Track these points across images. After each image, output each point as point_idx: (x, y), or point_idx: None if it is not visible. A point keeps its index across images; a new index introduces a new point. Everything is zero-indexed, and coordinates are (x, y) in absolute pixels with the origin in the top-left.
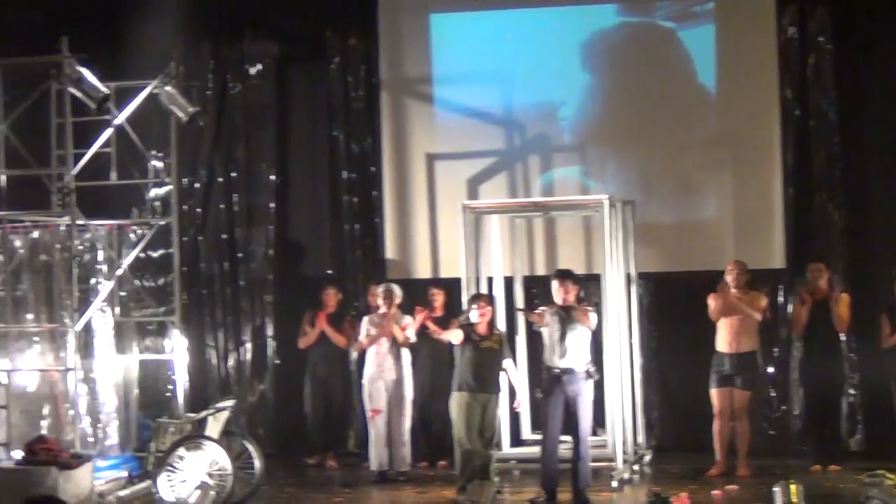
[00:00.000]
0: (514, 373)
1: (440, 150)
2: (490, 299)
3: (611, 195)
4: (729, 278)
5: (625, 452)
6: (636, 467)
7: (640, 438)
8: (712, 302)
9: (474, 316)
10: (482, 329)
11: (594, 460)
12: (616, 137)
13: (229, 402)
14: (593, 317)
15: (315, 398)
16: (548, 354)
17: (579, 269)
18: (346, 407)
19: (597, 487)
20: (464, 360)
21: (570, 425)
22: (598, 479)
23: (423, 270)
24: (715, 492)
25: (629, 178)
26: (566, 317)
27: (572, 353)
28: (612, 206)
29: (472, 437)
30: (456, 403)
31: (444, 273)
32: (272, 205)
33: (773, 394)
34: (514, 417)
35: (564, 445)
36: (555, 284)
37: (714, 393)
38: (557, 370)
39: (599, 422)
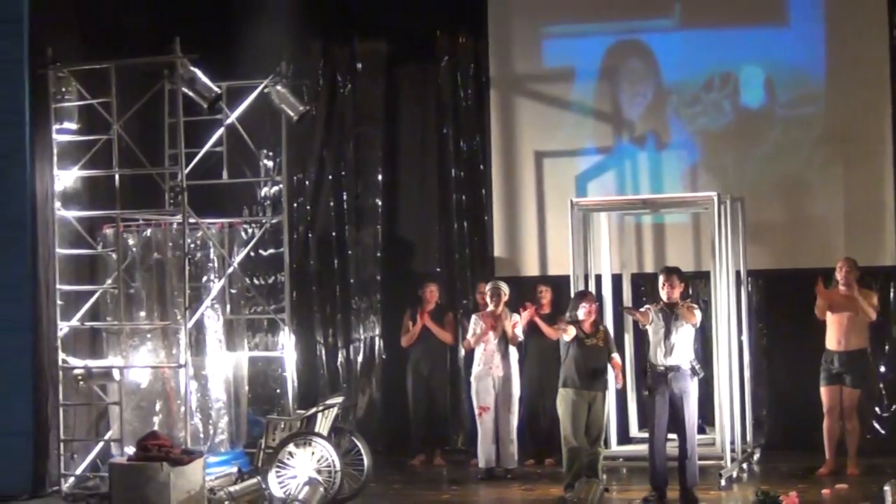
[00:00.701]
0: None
1: (549, 147)
2: (595, 296)
3: (720, 192)
4: (839, 276)
5: (733, 451)
6: (745, 465)
7: (749, 436)
8: (820, 298)
9: (581, 313)
10: (587, 326)
11: (703, 458)
12: (725, 134)
13: (338, 399)
14: (698, 313)
15: (418, 395)
16: (653, 352)
17: (688, 267)
18: (450, 404)
19: (705, 485)
20: (569, 358)
21: (676, 423)
22: (707, 478)
23: (531, 268)
24: (824, 490)
25: (739, 175)
26: (671, 314)
27: (678, 351)
28: (722, 203)
29: (579, 435)
30: (562, 400)
31: (553, 271)
32: (381, 203)
33: (884, 392)
34: (622, 415)
35: (671, 443)
36: (661, 280)
37: (824, 391)
38: (663, 368)
39: (708, 420)
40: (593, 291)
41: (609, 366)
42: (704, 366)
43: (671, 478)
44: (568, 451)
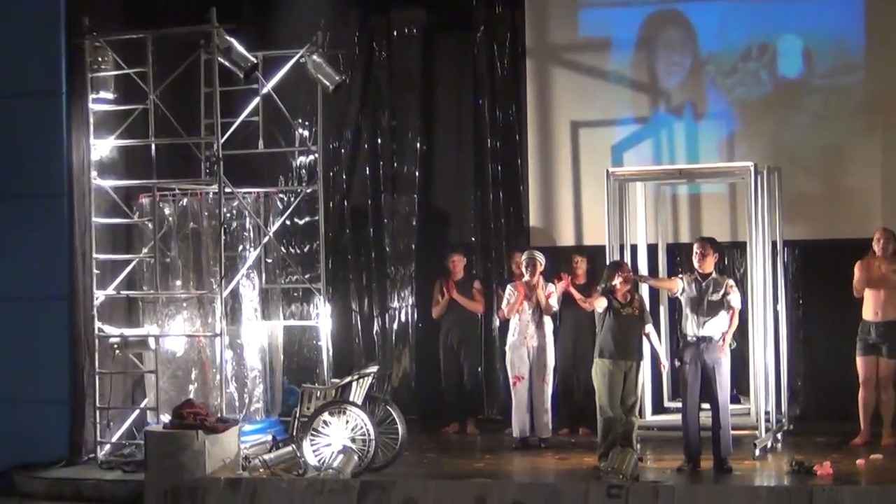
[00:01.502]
0: (656, 338)
1: (585, 117)
2: (630, 266)
3: (757, 162)
4: (876, 246)
5: (768, 421)
6: (779, 436)
7: (784, 407)
8: (858, 272)
9: (616, 283)
10: (622, 296)
11: (737, 429)
12: (763, 104)
13: (373, 368)
14: (736, 300)
15: (448, 365)
16: (685, 322)
17: (724, 237)
18: (483, 373)
19: (739, 455)
20: (605, 328)
21: (710, 394)
22: (741, 447)
23: (566, 238)
24: (859, 461)
25: (776, 145)
26: (704, 285)
27: (710, 322)
28: (759, 174)
29: (614, 405)
30: (598, 370)
31: (588, 241)
32: (417, 172)
33: None
34: (657, 385)
35: (704, 413)
36: (695, 250)
37: (860, 361)
38: (695, 338)
39: (743, 390)
40: (629, 261)
41: (647, 341)
42: (740, 336)
43: (705, 447)
44: (603, 421)
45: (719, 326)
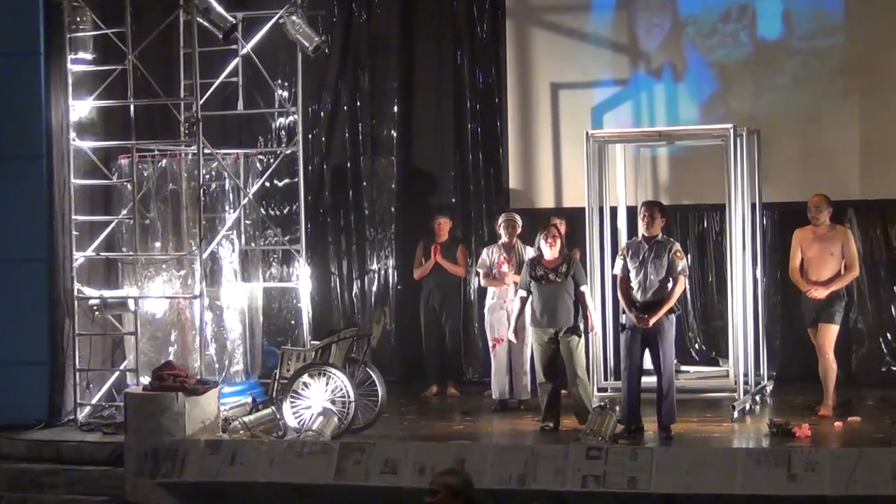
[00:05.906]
0: (590, 300)
1: (565, 78)
2: (611, 227)
3: (736, 124)
4: (809, 215)
5: (746, 383)
6: (757, 398)
7: (763, 369)
8: (792, 251)
9: (545, 249)
10: (547, 262)
11: (716, 391)
12: (742, 66)
13: (352, 330)
14: (683, 267)
15: (429, 327)
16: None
17: (703, 199)
18: (463, 336)
19: (717, 418)
20: (533, 296)
21: (653, 360)
22: (719, 410)
23: (546, 200)
24: (837, 423)
25: (755, 107)
26: (649, 250)
27: (654, 287)
28: (738, 136)
29: (547, 371)
30: (530, 338)
31: (568, 203)
32: (396, 134)
33: None
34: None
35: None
36: (641, 213)
37: (812, 332)
38: (638, 304)
39: (721, 352)
40: (607, 223)
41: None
42: (719, 298)
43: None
44: (538, 387)
45: (663, 291)
